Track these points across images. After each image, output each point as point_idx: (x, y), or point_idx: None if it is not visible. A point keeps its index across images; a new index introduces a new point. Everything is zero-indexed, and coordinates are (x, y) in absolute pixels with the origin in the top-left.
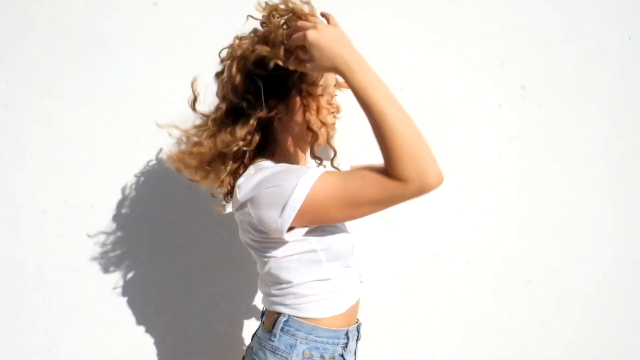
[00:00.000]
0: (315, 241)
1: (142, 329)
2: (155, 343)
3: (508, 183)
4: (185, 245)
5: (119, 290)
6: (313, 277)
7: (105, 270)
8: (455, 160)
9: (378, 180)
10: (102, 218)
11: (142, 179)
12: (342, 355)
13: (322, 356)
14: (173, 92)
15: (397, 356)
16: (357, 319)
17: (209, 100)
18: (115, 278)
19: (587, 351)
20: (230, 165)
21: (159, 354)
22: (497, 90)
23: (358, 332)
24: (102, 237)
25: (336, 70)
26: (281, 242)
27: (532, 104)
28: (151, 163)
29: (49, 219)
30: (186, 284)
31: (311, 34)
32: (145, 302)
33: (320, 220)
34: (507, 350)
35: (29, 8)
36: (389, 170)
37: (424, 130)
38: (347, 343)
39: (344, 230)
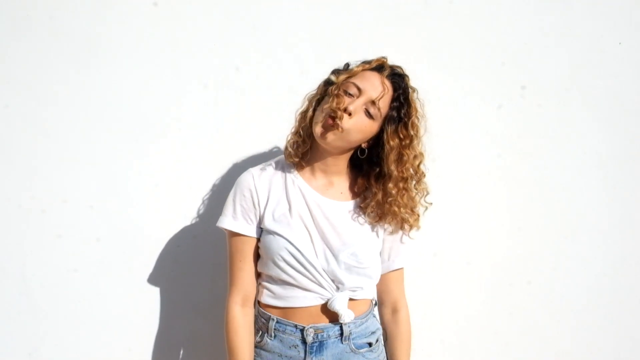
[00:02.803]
0: None
1: (142, 329)
2: (156, 344)
3: (508, 183)
4: (185, 245)
5: (119, 290)
6: None
7: (105, 270)
8: (455, 160)
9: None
10: (102, 218)
11: (142, 179)
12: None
13: None
14: (174, 92)
15: None
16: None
17: (211, 99)
18: (115, 278)
19: (587, 351)
20: None
21: (159, 356)
22: (497, 90)
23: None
24: (102, 237)
25: None
26: None
27: (532, 104)
28: (151, 163)
29: (49, 219)
30: (186, 284)
31: None
32: (145, 303)
33: None
34: (507, 351)
35: (29, 8)
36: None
37: (424, 130)
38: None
39: None
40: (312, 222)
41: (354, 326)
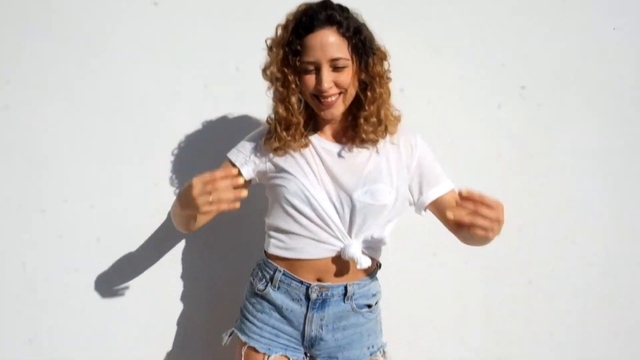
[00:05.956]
0: None
1: (142, 329)
2: (155, 343)
3: (508, 183)
4: (185, 245)
5: (119, 290)
6: None
7: (105, 270)
8: (455, 160)
9: None
10: (102, 218)
11: (142, 179)
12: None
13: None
14: (173, 92)
15: (396, 356)
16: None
17: (211, 99)
18: (115, 278)
19: (587, 351)
20: None
21: (159, 354)
22: (497, 90)
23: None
24: (102, 237)
25: None
26: None
27: (532, 104)
28: (151, 163)
29: (49, 219)
30: (186, 284)
31: None
32: (145, 302)
33: None
34: (507, 351)
35: (29, 8)
36: None
37: (424, 130)
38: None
39: None
40: (323, 168)
41: (358, 287)
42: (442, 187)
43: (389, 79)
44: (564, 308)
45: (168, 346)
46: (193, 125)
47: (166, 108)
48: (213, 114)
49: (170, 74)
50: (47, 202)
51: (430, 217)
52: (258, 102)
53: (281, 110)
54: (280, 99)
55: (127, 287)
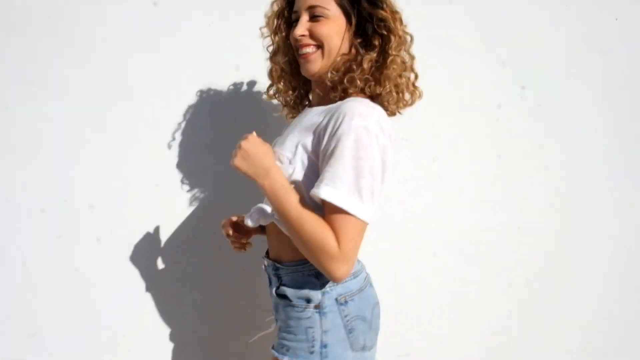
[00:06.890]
0: None
1: (142, 329)
2: (156, 344)
3: (508, 183)
4: (185, 245)
5: (119, 290)
6: None
7: (105, 270)
8: (455, 160)
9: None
10: (102, 218)
11: (142, 179)
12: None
13: None
14: (173, 92)
15: (396, 355)
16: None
17: (211, 99)
18: (116, 278)
19: (588, 351)
20: None
21: (159, 356)
22: (497, 90)
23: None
24: (102, 237)
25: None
26: None
27: (532, 104)
28: (151, 163)
29: (49, 219)
30: (187, 284)
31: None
32: (145, 303)
33: None
34: (506, 350)
35: (29, 8)
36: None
37: (424, 130)
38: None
39: None
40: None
41: (285, 271)
42: (320, 190)
43: (393, 50)
44: (563, 308)
45: (168, 345)
46: (193, 125)
47: (166, 108)
48: (213, 114)
49: (170, 73)
50: (47, 202)
51: (430, 216)
52: (258, 102)
53: (278, 82)
54: (275, 67)
55: (126, 287)
